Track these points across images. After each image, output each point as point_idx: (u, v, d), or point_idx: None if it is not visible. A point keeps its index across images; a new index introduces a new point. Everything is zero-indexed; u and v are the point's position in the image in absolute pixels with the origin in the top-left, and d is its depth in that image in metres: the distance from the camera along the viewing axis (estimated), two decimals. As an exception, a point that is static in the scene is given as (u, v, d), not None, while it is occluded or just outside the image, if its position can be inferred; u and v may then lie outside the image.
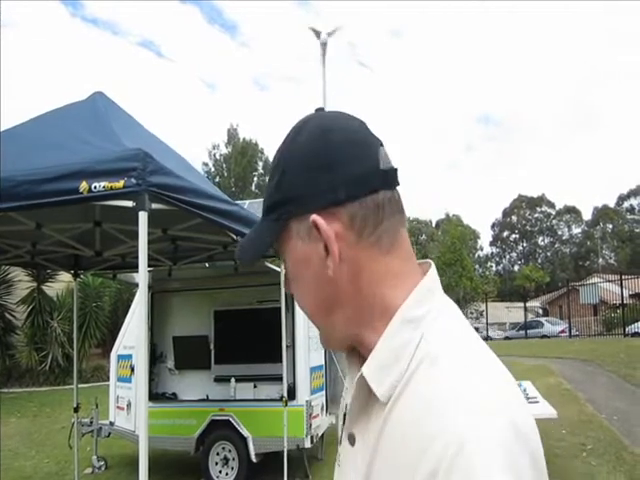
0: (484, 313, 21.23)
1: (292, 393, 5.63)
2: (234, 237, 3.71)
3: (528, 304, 31.68)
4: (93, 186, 2.57)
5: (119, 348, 6.69)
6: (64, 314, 14.40)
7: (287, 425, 5.12)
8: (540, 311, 39.56)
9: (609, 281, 26.09)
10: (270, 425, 5.46)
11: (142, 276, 2.59)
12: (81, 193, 2.56)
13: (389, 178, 0.67)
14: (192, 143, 72.96)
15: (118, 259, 5.10)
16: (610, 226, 64.06)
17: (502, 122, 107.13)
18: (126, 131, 3.32)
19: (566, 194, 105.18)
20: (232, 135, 47.80)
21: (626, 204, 62.96)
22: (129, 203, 2.59)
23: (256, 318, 5.97)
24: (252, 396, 5.84)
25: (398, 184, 0.69)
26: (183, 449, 5.76)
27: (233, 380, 5.90)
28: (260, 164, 46.68)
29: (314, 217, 0.63)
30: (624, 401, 9.07)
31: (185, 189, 2.89)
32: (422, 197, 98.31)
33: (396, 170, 0.68)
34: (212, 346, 6.26)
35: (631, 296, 23.17)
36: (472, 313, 17.11)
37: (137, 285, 6.58)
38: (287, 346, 5.89)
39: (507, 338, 28.93)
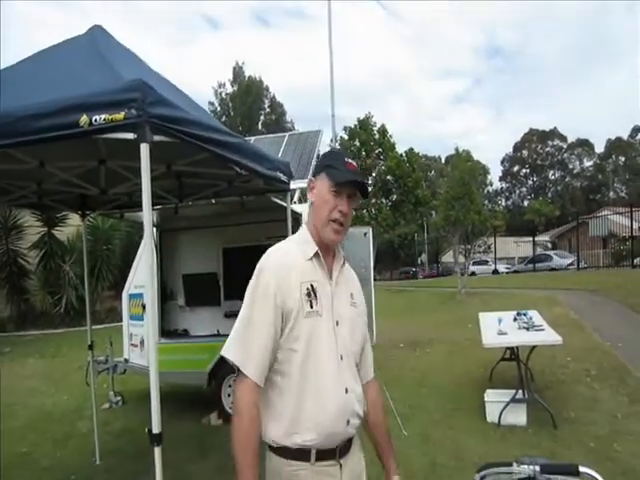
0: (492, 247, 21.33)
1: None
2: (238, 170, 3.64)
3: (537, 238, 31.63)
4: (93, 119, 2.51)
5: (130, 287, 6.80)
6: (75, 257, 14.61)
7: None
8: (549, 245, 39.57)
9: (618, 213, 25.82)
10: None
11: (146, 210, 2.57)
12: (81, 127, 2.50)
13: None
14: (198, 83, 71.07)
15: (124, 198, 5.07)
16: (623, 159, 62.76)
17: (512, 55, 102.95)
18: (126, 65, 3.20)
19: (578, 127, 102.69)
20: (238, 73, 46.57)
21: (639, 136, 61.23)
22: (130, 135, 2.53)
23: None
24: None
25: None
26: (196, 383, 5.95)
27: (243, 315, 6.00)
28: (266, 102, 45.63)
29: None
30: (629, 329, 9.19)
31: (187, 121, 2.82)
32: (431, 133, 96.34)
33: None
34: (221, 283, 6.35)
35: None
36: (480, 247, 17.14)
37: (145, 224, 6.64)
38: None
39: (516, 272, 29.13)
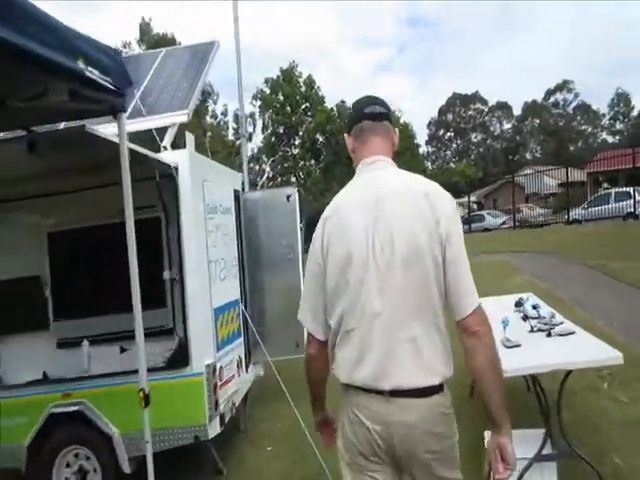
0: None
1: (183, 355, 3.46)
2: None
3: (464, 199, 30.60)
4: None
5: None
6: None
7: (165, 408, 3.11)
8: (475, 206, 39.31)
9: (540, 172, 26.17)
10: (156, 411, 3.34)
11: None
12: None
13: (367, 116, 1.75)
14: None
15: None
16: (537, 121, 64.87)
17: (433, 24, 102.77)
18: None
19: (498, 91, 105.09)
20: (145, 30, 41.65)
21: (552, 99, 63.35)
22: None
23: (120, 239, 3.58)
24: (119, 367, 3.59)
25: (374, 117, 1.75)
26: (8, 466, 3.51)
27: (86, 344, 3.63)
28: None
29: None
30: (612, 299, 7.67)
31: None
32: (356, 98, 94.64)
33: (372, 112, 1.76)
34: (48, 292, 3.88)
35: (559, 185, 24.68)
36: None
37: None
38: (171, 279, 3.67)
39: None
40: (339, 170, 28.12)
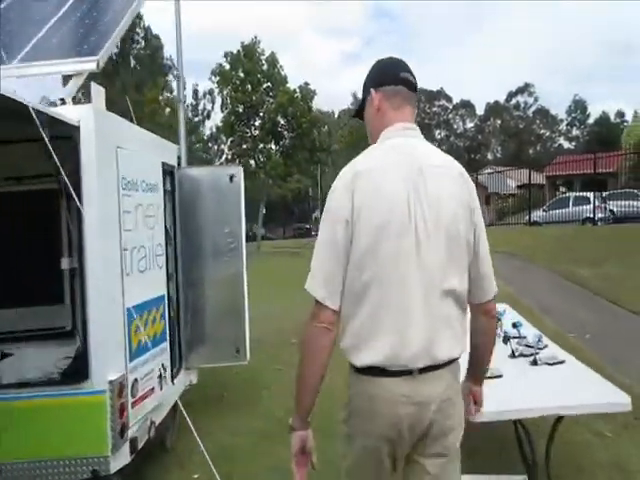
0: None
1: (81, 367, 2.70)
2: None
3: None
4: None
5: None
6: None
7: (55, 433, 2.50)
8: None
9: (497, 172, 26.39)
10: (41, 436, 2.60)
11: None
12: None
13: (403, 81, 1.63)
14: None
15: None
16: (499, 121, 66.28)
17: (399, 17, 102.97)
18: None
19: (463, 88, 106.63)
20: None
21: (514, 101, 64.78)
22: None
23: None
24: (-4, 378, 2.81)
25: (409, 85, 1.64)
26: None
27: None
28: (140, 32, 38.05)
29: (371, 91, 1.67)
30: (580, 308, 7.30)
31: None
32: (322, 90, 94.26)
33: (408, 80, 1.64)
34: None
35: (518, 187, 25.12)
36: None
37: None
38: (72, 269, 2.89)
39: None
40: (301, 155, 27.00)
